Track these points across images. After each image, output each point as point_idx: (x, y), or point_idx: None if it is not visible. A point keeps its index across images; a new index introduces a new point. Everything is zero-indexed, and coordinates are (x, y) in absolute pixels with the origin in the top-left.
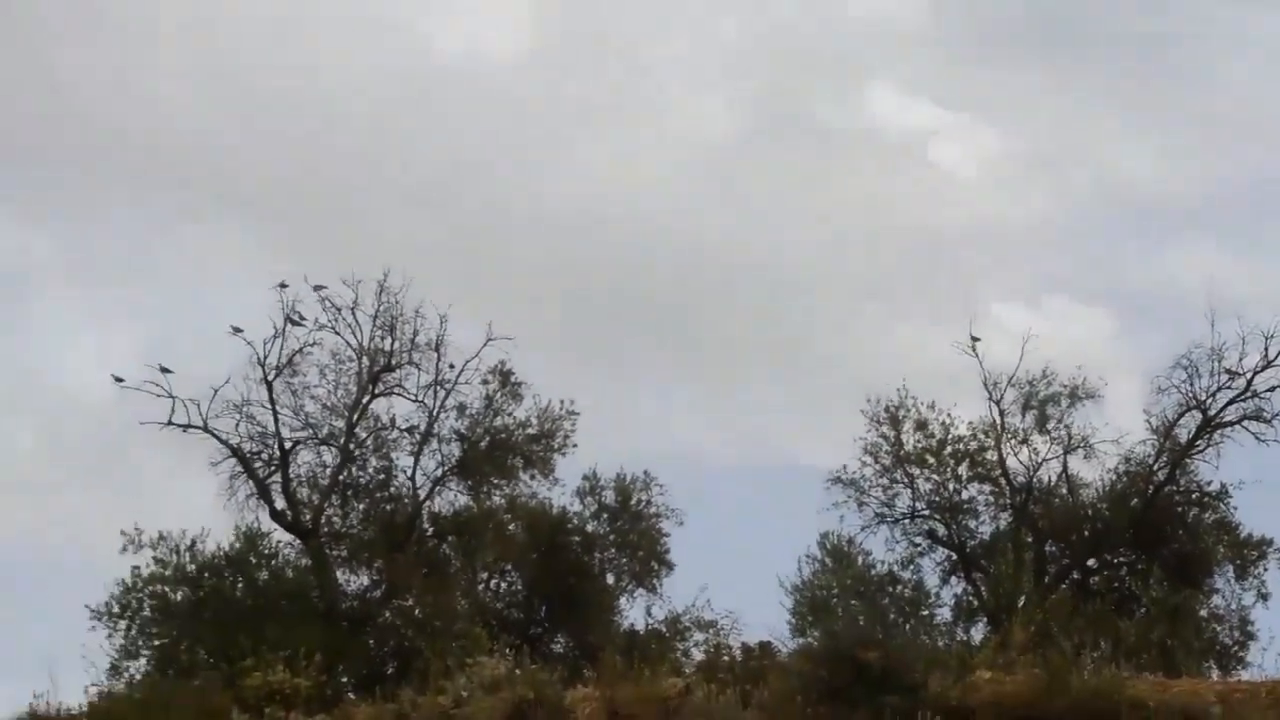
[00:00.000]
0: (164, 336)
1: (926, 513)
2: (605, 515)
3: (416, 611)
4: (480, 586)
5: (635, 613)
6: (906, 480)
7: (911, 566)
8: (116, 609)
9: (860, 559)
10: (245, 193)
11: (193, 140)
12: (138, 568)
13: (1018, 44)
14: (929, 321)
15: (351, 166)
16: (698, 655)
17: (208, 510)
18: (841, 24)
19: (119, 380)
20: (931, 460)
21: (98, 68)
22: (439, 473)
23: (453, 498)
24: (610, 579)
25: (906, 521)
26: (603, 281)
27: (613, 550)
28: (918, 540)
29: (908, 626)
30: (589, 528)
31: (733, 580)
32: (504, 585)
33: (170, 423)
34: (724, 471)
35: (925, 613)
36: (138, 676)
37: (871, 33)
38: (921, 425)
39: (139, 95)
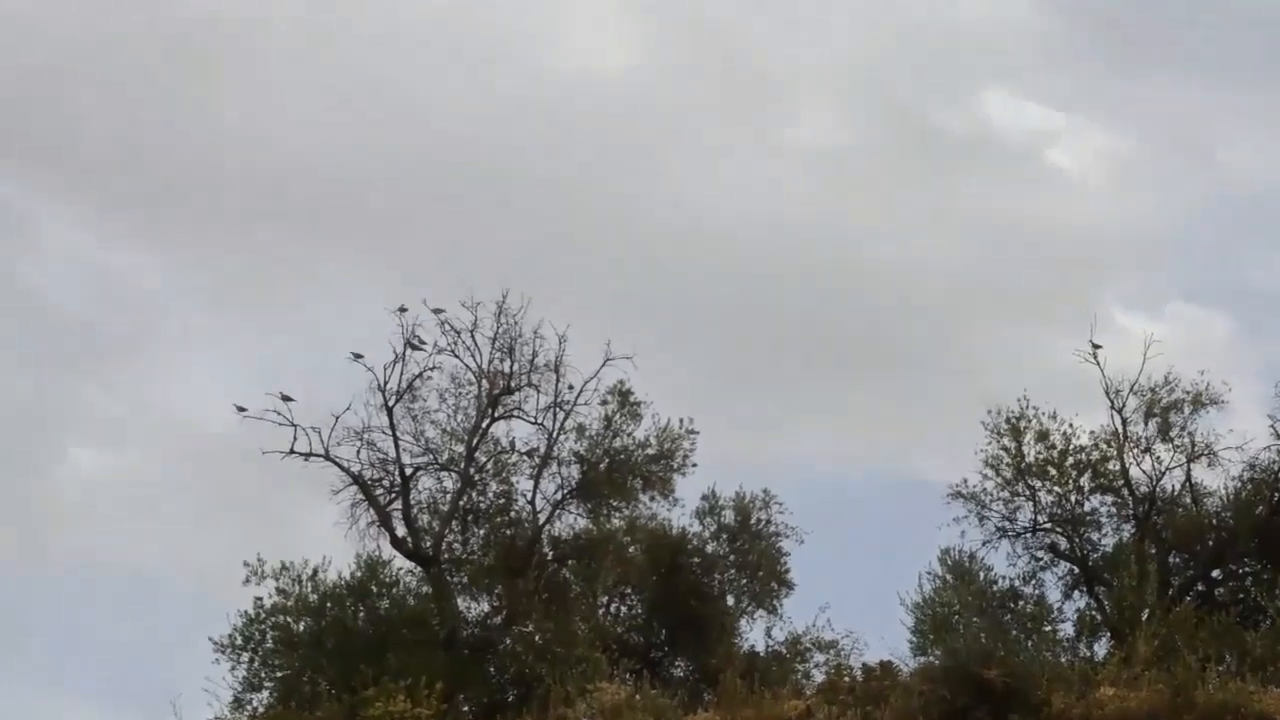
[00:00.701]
0: (287, 364)
1: (1048, 526)
2: (725, 535)
3: (537, 638)
4: (600, 611)
5: (755, 634)
6: (1028, 493)
7: (1033, 581)
8: (240, 640)
9: (981, 574)
10: (365, 218)
11: (312, 168)
12: (260, 599)
13: (1133, 43)
14: (1049, 328)
15: (470, 187)
16: (818, 677)
17: (329, 539)
18: (955, 28)
19: (241, 410)
20: (1053, 471)
21: (220, 101)
22: (558, 496)
23: (572, 521)
24: (730, 600)
25: (1028, 535)
26: (720, 293)
27: (732, 571)
28: (1039, 554)
29: (1030, 643)
30: (708, 548)
31: (853, 598)
32: (624, 609)
33: (292, 451)
34: (843, 486)
35: (1047, 629)
36: (260, 709)
37: (985, 36)
38: (1043, 436)
39: (260, 127)
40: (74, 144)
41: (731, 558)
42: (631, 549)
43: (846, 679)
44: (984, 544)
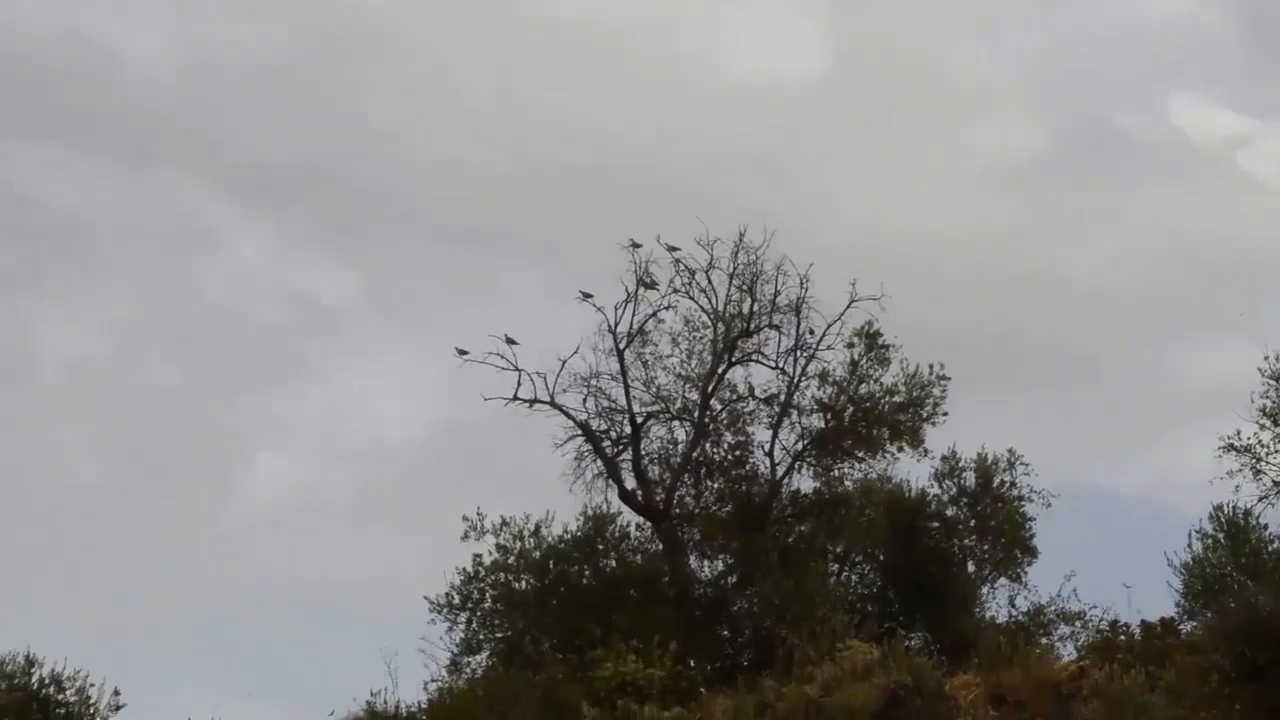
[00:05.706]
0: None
1: None
2: (965, 499)
3: (775, 598)
4: (832, 578)
5: (997, 603)
6: None
7: None
8: (457, 600)
9: (1256, 534)
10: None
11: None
12: (479, 556)
13: None
14: (1235, 339)
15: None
16: (1062, 650)
17: (553, 492)
18: (1142, 31)
19: (463, 353)
20: None
21: (404, 123)
22: (799, 447)
23: (812, 475)
24: (971, 567)
25: None
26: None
27: (973, 536)
28: None
29: None
30: (949, 512)
31: (1107, 565)
32: (855, 576)
33: (516, 398)
34: None
35: None
36: (479, 671)
37: (1174, 39)
38: None
39: (441, 145)
40: (257, 160)
41: (973, 522)
42: (867, 511)
43: (1122, 637)
44: (1260, 499)
